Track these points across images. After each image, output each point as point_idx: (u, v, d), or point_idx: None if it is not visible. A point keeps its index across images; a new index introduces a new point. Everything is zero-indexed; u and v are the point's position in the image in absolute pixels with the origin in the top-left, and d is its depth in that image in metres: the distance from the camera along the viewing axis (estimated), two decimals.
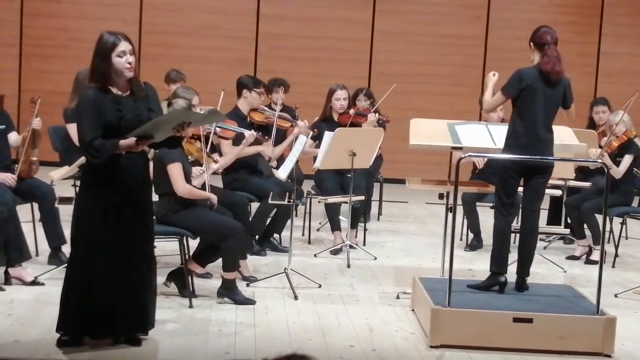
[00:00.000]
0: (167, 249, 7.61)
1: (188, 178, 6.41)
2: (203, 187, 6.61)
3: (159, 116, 5.11)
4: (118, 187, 5.10)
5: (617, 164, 8.18)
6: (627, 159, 8.22)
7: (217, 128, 7.40)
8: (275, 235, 8.31)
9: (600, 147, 8.28)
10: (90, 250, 5.12)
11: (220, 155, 7.38)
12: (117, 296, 5.13)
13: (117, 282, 5.13)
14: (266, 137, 7.71)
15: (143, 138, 5.04)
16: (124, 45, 5.07)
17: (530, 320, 5.63)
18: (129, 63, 5.07)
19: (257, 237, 8.07)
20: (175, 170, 6.24)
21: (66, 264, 5.45)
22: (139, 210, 5.20)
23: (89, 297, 5.11)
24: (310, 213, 8.91)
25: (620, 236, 8.48)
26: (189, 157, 6.57)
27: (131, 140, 5.00)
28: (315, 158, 8.01)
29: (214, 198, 6.53)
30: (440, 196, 6.78)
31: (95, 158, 5.02)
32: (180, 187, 6.26)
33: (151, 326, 5.38)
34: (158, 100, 5.34)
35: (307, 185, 9.04)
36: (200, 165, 6.70)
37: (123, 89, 5.14)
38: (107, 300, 5.11)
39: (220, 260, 6.47)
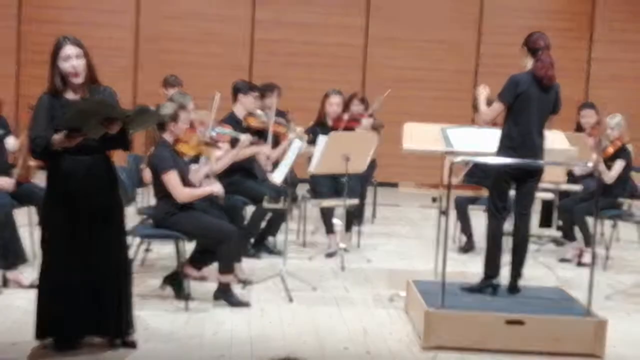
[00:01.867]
0: (163, 252, 7.64)
1: (186, 179, 6.44)
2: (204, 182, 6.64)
3: (77, 104, 4.93)
4: (67, 189, 5.04)
5: (609, 168, 8.25)
6: (619, 165, 8.28)
7: (212, 132, 7.45)
8: (270, 239, 8.35)
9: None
10: (51, 253, 5.13)
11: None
12: (76, 299, 5.09)
13: (74, 286, 5.08)
14: (261, 142, 7.75)
15: (72, 131, 4.89)
16: (68, 49, 5.00)
17: (522, 323, 5.66)
18: (73, 67, 5.00)
19: (252, 240, 8.11)
20: (171, 180, 6.25)
21: None
22: (99, 212, 5.11)
23: (50, 299, 5.12)
24: (305, 217, 8.94)
25: (611, 239, 8.52)
26: (184, 158, 6.59)
27: (61, 134, 4.91)
28: (310, 159, 8.04)
29: (217, 190, 6.51)
30: (433, 199, 6.80)
31: (35, 153, 5.05)
32: (180, 194, 6.28)
33: (127, 330, 5.33)
34: (116, 103, 5.20)
35: (302, 189, 9.08)
36: (203, 158, 6.71)
37: (78, 93, 5.08)
38: (65, 302, 5.09)
39: (215, 263, 6.50)
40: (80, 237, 5.08)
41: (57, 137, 4.92)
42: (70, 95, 5.08)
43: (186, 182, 6.39)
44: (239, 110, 8.02)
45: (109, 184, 5.20)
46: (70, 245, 5.07)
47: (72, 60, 5.00)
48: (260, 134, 7.97)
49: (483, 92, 6.59)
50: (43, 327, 5.21)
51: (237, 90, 8.04)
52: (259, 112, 8.23)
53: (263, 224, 8.19)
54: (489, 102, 6.53)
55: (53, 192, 5.12)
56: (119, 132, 4.98)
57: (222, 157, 6.81)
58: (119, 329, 5.29)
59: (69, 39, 5.04)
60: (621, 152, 8.34)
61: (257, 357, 5.31)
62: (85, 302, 5.13)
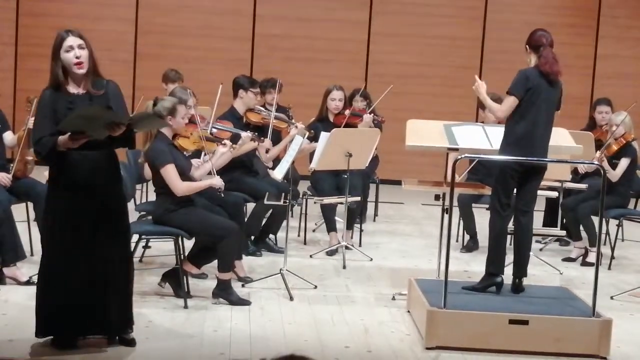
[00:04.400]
0: (162, 249, 7.60)
1: (186, 174, 6.36)
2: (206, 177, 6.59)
3: (78, 110, 4.94)
4: (78, 184, 5.03)
5: (614, 166, 8.18)
6: (624, 162, 8.21)
7: (213, 129, 7.39)
8: (271, 236, 8.29)
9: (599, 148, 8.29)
10: (53, 248, 5.10)
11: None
12: (80, 295, 5.07)
13: (79, 282, 5.06)
14: (262, 139, 7.68)
15: (75, 134, 4.90)
16: (71, 40, 5.00)
17: (526, 322, 5.63)
18: (77, 57, 4.99)
19: (252, 237, 8.05)
20: (169, 173, 6.19)
21: None
22: (104, 207, 5.10)
23: (54, 296, 5.09)
24: (306, 214, 8.89)
25: (616, 238, 8.46)
26: (185, 152, 6.53)
27: (66, 136, 4.92)
28: (311, 156, 7.99)
29: (216, 182, 6.42)
30: (437, 197, 6.77)
31: (40, 155, 5.04)
32: (178, 188, 6.22)
33: (128, 327, 5.30)
34: (120, 98, 5.20)
35: (303, 186, 9.03)
36: (205, 154, 6.65)
37: (80, 86, 5.07)
38: (68, 299, 5.06)
39: (215, 260, 6.45)
40: (84, 232, 5.06)
41: (62, 138, 4.93)
42: (73, 89, 5.07)
43: (186, 178, 6.33)
44: (239, 106, 7.96)
45: (113, 179, 5.20)
46: (74, 240, 5.06)
47: (75, 51, 5.00)
48: (260, 130, 7.91)
49: (482, 87, 6.49)
50: (44, 325, 5.17)
51: (238, 85, 7.98)
52: (259, 107, 8.18)
53: (264, 221, 8.13)
54: (495, 99, 6.46)
55: (57, 186, 5.11)
56: (124, 131, 4.98)
57: (224, 152, 6.75)
58: (121, 326, 5.27)
59: (70, 31, 5.06)
60: (626, 150, 8.26)
61: (257, 356, 5.26)
62: (87, 299, 5.10)
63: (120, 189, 5.28)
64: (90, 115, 4.90)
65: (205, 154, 6.73)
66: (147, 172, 6.70)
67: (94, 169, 5.05)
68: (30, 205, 7.33)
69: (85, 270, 5.07)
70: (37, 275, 5.30)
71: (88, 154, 5.02)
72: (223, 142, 6.76)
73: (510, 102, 6.22)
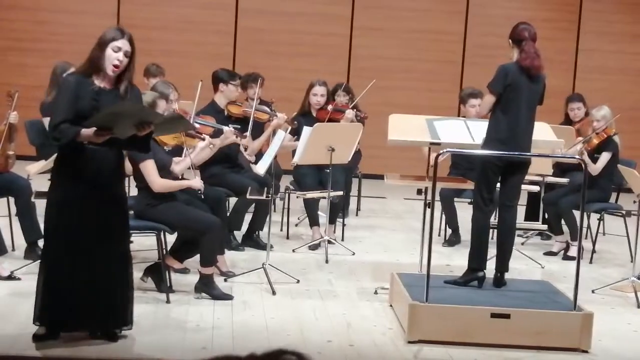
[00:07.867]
0: (144, 244, 7.58)
1: (167, 169, 6.35)
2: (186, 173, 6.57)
3: (111, 106, 4.99)
4: (84, 179, 5.06)
5: (595, 160, 8.21)
6: (605, 157, 8.24)
7: (195, 124, 7.36)
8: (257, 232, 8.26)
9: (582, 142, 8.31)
10: (58, 242, 5.10)
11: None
12: (82, 290, 5.09)
13: (81, 276, 5.08)
14: (245, 134, 7.66)
15: (102, 129, 4.95)
16: (121, 43, 5.08)
17: (507, 316, 5.64)
18: (118, 60, 5.05)
19: (235, 232, 8.03)
20: (148, 168, 6.18)
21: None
22: (108, 204, 5.14)
23: (56, 289, 5.09)
24: (288, 208, 8.88)
25: (597, 232, 8.50)
26: (165, 147, 6.51)
27: (91, 130, 4.95)
28: (294, 152, 7.98)
29: (195, 184, 6.43)
30: (419, 192, 6.78)
31: (57, 141, 5.04)
32: (156, 184, 6.21)
33: (127, 323, 5.32)
34: (141, 102, 5.32)
35: (286, 181, 9.02)
36: (185, 149, 6.64)
37: (108, 84, 5.12)
38: (72, 293, 5.08)
39: (197, 255, 6.44)
40: (86, 225, 5.08)
41: (86, 131, 4.95)
42: (99, 82, 5.10)
43: (167, 172, 6.31)
44: (220, 100, 7.94)
45: (117, 177, 5.27)
46: (75, 232, 5.07)
47: (119, 54, 5.06)
48: (243, 123, 7.89)
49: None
50: (42, 314, 5.17)
51: (218, 79, 7.95)
52: (241, 101, 8.15)
53: (250, 218, 8.09)
54: (475, 94, 6.49)
55: (62, 177, 5.14)
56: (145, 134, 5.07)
57: (204, 148, 6.74)
58: (120, 321, 5.29)
59: (125, 34, 5.14)
60: (607, 144, 8.28)
61: (239, 350, 5.23)
62: (86, 292, 5.11)
63: (123, 187, 5.37)
64: (122, 113, 4.94)
65: (186, 150, 6.71)
66: (128, 167, 6.67)
67: (101, 165, 5.09)
68: (12, 199, 7.29)
69: (84, 263, 5.08)
70: (29, 266, 5.27)
71: (100, 150, 5.06)
72: (203, 137, 6.75)
73: (488, 99, 6.26)
